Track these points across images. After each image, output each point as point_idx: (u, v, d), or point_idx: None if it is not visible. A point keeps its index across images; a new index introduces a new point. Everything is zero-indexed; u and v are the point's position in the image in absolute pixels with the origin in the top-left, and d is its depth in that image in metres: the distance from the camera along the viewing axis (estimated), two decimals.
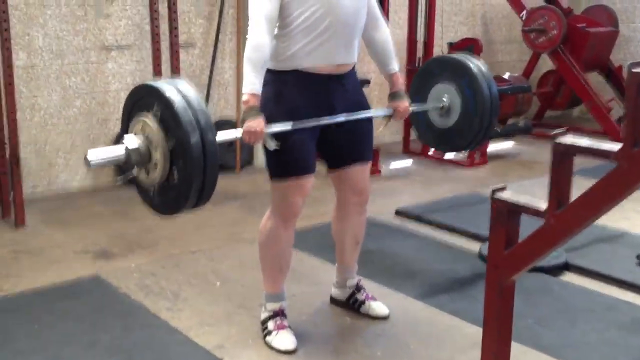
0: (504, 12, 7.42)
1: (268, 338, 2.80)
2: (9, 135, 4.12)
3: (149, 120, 2.21)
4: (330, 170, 2.89)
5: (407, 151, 6.28)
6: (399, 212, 4.47)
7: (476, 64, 3.08)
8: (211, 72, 5.46)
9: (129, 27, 5.06)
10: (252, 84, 2.50)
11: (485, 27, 7.49)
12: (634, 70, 1.43)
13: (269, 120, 2.50)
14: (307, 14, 2.55)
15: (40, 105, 4.80)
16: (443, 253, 3.82)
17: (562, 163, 1.61)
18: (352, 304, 3.08)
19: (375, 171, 5.30)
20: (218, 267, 3.59)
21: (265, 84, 2.56)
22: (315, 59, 2.60)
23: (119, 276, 3.43)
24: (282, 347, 2.75)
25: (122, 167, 2.31)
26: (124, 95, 5.01)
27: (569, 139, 1.59)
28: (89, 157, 2.19)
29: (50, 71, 4.80)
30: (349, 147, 2.81)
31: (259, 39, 2.50)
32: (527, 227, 1.82)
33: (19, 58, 4.61)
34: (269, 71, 2.57)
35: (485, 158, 5.98)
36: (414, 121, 3.26)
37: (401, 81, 2.95)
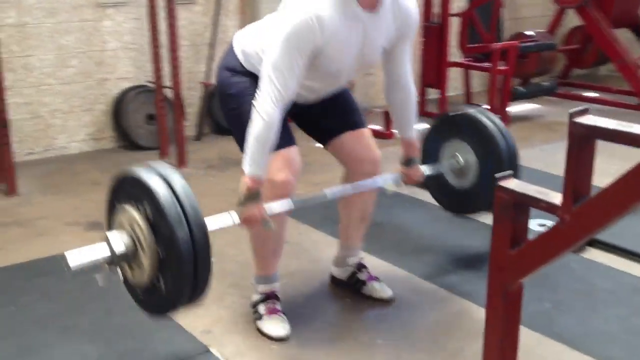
0: None
1: (259, 323, 2.57)
2: None
3: (138, 218, 1.93)
4: (325, 147, 2.66)
5: (423, 113, 5.97)
6: None
7: (491, 119, 2.84)
8: (215, 29, 5.18)
9: None
10: (257, 166, 2.21)
11: None
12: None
13: (241, 99, 2.35)
14: (327, 69, 2.30)
15: (34, 65, 4.58)
16: (457, 226, 3.52)
17: (581, 148, 1.33)
18: (353, 285, 2.85)
19: (388, 135, 5.04)
20: (212, 242, 3.35)
21: (238, 73, 2.40)
22: (303, 88, 2.34)
23: None
24: (273, 334, 2.52)
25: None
26: (122, 55, 4.93)
27: (590, 120, 1.31)
28: (70, 262, 1.92)
29: (42, 29, 4.55)
30: (332, 118, 2.58)
31: (274, 117, 2.17)
32: None
33: (9, 16, 4.37)
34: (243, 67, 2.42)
35: (507, 120, 5.67)
36: (427, 181, 2.98)
37: (417, 147, 2.71)
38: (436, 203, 3.13)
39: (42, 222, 3.61)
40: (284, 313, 2.60)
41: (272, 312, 2.58)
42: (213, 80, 4.83)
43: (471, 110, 2.91)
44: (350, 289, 2.85)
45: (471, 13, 5.57)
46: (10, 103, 4.45)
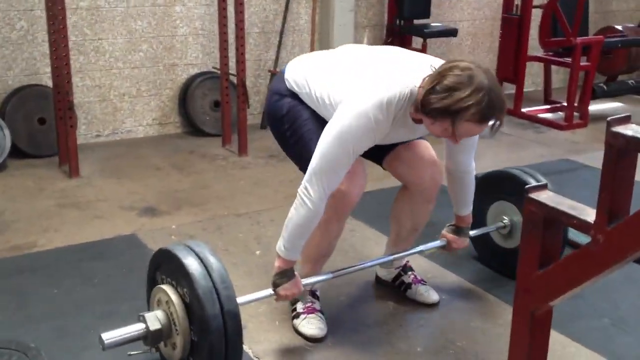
0: None
1: (295, 321, 2.50)
2: (62, 79, 3.91)
3: (175, 300, 2.03)
4: (382, 165, 2.58)
5: None
6: None
7: (536, 178, 2.72)
8: (285, 17, 5.11)
9: None
10: (296, 251, 2.26)
11: None
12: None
13: (295, 115, 2.36)
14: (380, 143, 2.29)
15: (105, 49, 4.62)
16: None
17: (620, 162, 1.17)
18: (397, 286, 2.74)
19: None
20: (262, 233, 3.30)
21: (284, 95, 2.41)
22: None
23: (155, 237, 3.20)
24: (309, 334, 2.44)
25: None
26: (192, 40, 4.93)
27: (632, 129, 1.15)
28: (104, 337, 2.02)
29: (115, 13, 4.59)
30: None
31: (320, 208, 2.17)
32: None
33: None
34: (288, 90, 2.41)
35: (587, 119, 5.38)
36: (473, 242, 2.95)
37: (470, 221, 2.63)
38: None
39: (98, 205, 3.63)
40: (322, 312, 2.52)
41: (310, 311, 2.50)
42: (279, 68, 4.80)
43: (515, 169, 2.87)
44: (395, 291, 2.74)
45: (554, 5, 5.29)
46: (80, 86, 4.55)
